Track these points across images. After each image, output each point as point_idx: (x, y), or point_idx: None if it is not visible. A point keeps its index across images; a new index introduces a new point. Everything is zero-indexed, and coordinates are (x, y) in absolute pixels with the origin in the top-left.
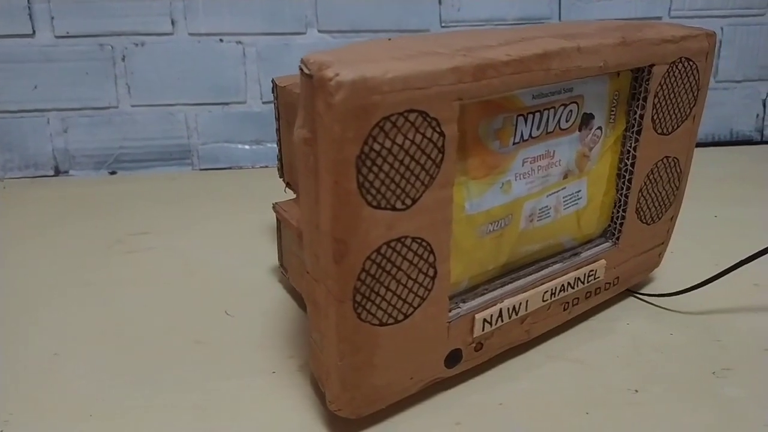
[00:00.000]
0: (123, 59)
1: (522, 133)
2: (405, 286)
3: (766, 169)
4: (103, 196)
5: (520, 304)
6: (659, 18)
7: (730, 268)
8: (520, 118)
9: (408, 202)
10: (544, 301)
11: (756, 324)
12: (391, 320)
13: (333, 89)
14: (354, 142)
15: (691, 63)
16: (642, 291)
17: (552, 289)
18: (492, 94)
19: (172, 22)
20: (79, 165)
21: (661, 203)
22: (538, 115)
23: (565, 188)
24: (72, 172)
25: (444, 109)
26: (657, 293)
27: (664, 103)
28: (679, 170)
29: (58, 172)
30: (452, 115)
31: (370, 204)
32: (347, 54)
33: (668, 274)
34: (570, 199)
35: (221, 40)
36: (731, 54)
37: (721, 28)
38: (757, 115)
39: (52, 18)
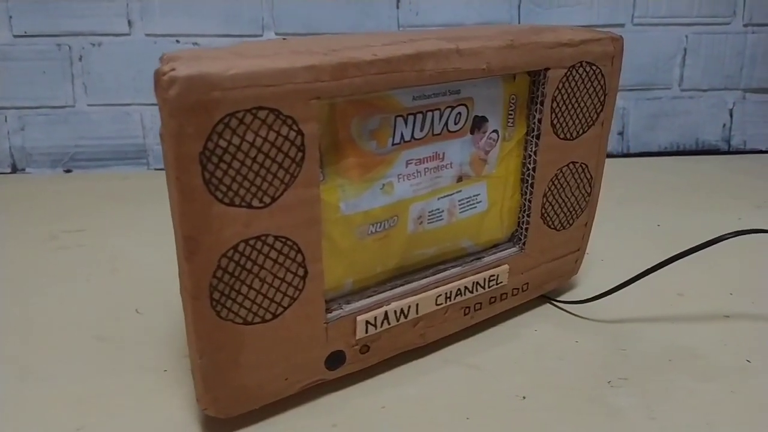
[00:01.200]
0: (80, 59)
1: (402, 134)
2: (271, 285)
3: (729, 179)
4: (55, 194)
5: (410, 307)
6: (622, 25)
7: (637, 276)
8: (399, 119)
9: (266, 200)
10: (438, 305)
11: (667, 334)
12: (257, 319)
13: (166, 84)
14: (195, 138)
15: (594, 67)
16: (560, 298)
17: (447, 293)
18: (355, 93)
19: (129, 23)
20: (35, 163)
21: (571, 209)
22: (420, 116)
23: (460, 191)
24: (29, 170)
25: (300, 108)
26: (572, 300)
27: (564, 107)
28: (588, 176)
29: (15, 169)
30: (310, 113)
31: (222, 201)
32: (209, 51)
33: (592, 281)
34: (467, 202)
35: (177, 41)
36: (696, 63)
37: (686, 36)
38: (724, 125)
39: (10, 17)
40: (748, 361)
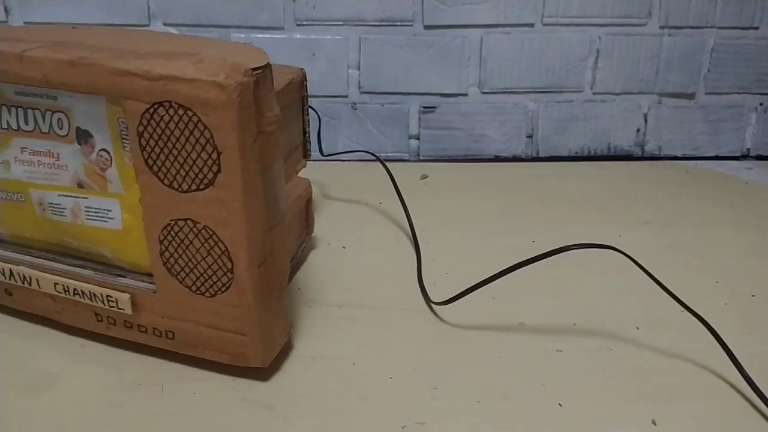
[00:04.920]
0: None
1: (8, 122)
2: None
3: (630, 188)
4: None
5: (31, 278)
6: (531, 25)
7: (462, 293)
8: (4, 108)
9: None
10: (59, 291)
11: (489, 371)
12: None
13: None
14: None
15: (189, 113)
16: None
17: (65, 285)
18: None
19: (6, 10)
20: None
21: (208, 277)
22: (21, 110)
23: (87, 198)
24: None
25: None
26: None
27: (158, 149)
28: (222, 247)
29: None
30: None
31: None
32: None
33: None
34: (95, 213)
35: None
36: (609, 65)
37: (599, 37)
38: (638, 130)
39: None
40: (559, 405)
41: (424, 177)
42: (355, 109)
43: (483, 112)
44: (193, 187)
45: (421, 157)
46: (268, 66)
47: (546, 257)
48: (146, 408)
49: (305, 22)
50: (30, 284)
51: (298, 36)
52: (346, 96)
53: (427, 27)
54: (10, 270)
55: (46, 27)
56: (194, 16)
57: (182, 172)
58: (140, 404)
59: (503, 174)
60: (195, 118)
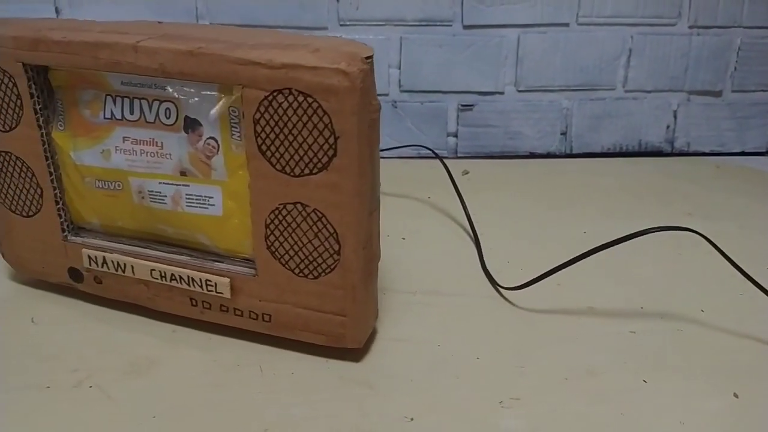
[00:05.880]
0: None
1: (113, 111)
2: (21, 191)
3: (666, 183)
4: None
5: (126, 264)
6: (566, 25)
7: (539, 277)
8: (109, 98)
9: (6, 127)
10: (154, 278)
11: (569, 350)
12: (18, 211)
13: None
14: None
15: (309, 99)
16: None
17: (162, 271)
18: (47, 63)
19: (57, 10)
20: None
21: (311, 258)
22: (128, 100)
23: (188, 186)
24: None
25: (11, 66)
26: None
27: (273, 135)
28: (330, 229)
29: None
30: (20, 72)
31: None
32: (12, 20)
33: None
34: (196, 200)
35: None
36: (641, 63)
37: (631, 37)
38: (668, 126)
39: None
40: (644, 381)
41: (466, 173)
42: (396, 107)
43: (519, 110)
44: (306, 171)
45: (458, 154)
46: (372, 55)
47: (624, 241)
48: (249, 387)
49: (348, 23)
50: (124, 271)
51: (341, 36)
52: (387, 95)
53: (466, 27)
54: (104, 257)
55: (127, 22)
56: (241, 17)
57: (296, 157)
58: (243, 384)
59: (540, 170)
60: (315, 104)
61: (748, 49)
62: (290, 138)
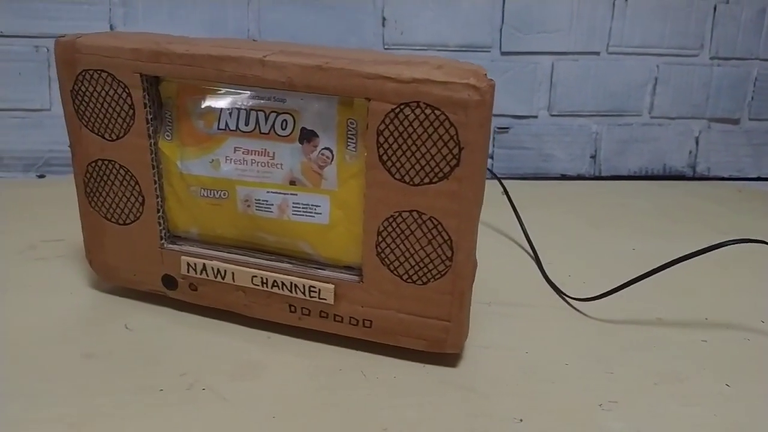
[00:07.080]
0: None
1: (227, 123)
2: (120, 199)
3: (695, 204)
4: (29, 199)
5: (226, 271)
6: (597, 53)
7: (625, 284)
8: (224, 110)
9: (113, 136)
10: (255, 285)
11: (648, 358)
12: (114, 219)
13: (55, 46)
14: (69, 80)
15: (437, 112)
16: None
17: (264, 278)
18: (166, 75)
19: (111, 27)
20: (6, 167)
21: (421, 264)
22: (244, 112)
23: (296, 195)
24: None
25: (128, 77)
26: None
27: (396, 145)
28: (445, 236)
29: None
30: (137, 83)
31: (86, 126)
32: (120, 33)
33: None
34: (303, 208)
35: None
36: (666, 91)
37: (657, 66)
38: (690, 152)
39: None
40: (727, 385)
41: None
42: None
43: (551, 133)
44: (426, 180)
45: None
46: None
47: (702, 254)
48: (357, 390)
49: (393, 47)
50: (224, 278)
51: None
52: None
53: (503, 53)
54: (204, 264)
55: (221, 38)
56: (291, 37)
57: (417, 167)
58: (349, 387)
59: (573, 191)
60: (442, 117)
61: (764, 79)
62: (413, 149)
